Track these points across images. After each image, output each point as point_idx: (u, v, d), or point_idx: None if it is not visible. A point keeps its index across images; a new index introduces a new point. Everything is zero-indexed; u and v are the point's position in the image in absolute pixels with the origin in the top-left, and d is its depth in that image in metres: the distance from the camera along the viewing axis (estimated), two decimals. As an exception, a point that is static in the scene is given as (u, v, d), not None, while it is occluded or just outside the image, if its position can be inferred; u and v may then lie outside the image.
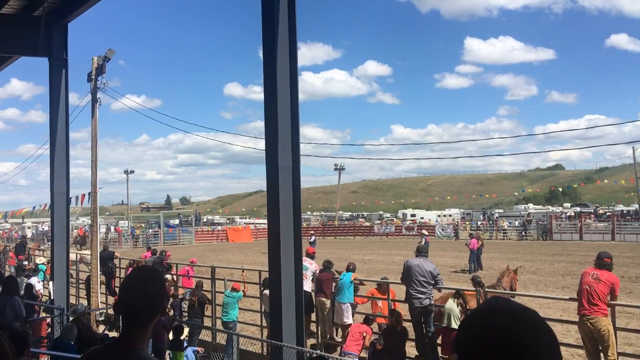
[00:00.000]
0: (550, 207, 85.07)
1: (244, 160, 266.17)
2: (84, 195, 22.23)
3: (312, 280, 12.83)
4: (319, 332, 12.56)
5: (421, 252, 10.95)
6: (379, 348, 9.72)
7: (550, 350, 1.24)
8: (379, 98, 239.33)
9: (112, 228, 61.28)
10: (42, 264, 19.88)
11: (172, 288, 14.18)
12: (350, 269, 12.41)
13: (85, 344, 8.10)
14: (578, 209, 72.13)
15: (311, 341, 12.26)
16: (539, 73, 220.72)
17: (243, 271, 14.74)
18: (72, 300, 16.25)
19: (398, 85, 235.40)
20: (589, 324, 8.15)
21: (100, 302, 18.36)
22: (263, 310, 12.46)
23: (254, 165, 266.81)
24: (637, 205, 60.09)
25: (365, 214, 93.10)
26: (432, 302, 10.20)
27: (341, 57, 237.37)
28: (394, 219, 76.52)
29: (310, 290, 12.59)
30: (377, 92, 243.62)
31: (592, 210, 66.72)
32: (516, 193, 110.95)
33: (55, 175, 13.06)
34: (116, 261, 19.80)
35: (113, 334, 13.53)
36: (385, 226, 59.69)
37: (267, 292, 11.85)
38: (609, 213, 57.51)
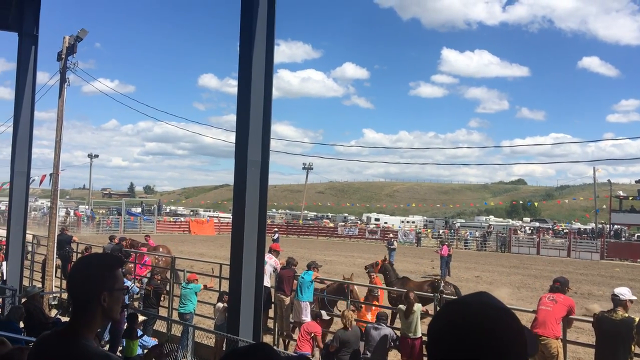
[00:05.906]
0: (510, 220, 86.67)
1: (213, 153, 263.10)
2: (44, 175, 21.77)
3: (271, 276, 12.83)
4: (276, 329, 12.56)
5: (381, 318, 10.13)
6: (332, 350, 9.69)
7: (514, 347, 1.23)
8: (354, 101, 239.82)
9: (72, 212, 60.00)
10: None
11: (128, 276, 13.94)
12: (312, 267, 12.43)
13: (36, 327, 7.93)
14: (537, 224, 73.60)
15: (267, 337, 12.23)
16: (512, 88, 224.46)
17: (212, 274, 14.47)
18: (26, 282, 15.88)
19: (373, 89, 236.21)
20: (540, 345, 8.33)
21: (55, 286, 18.00)
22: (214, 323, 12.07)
23: (223, 159, 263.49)
24: (594, 224, 61.78)
25: (330, 215, 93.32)
26: None
27: (320, 58, 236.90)
28: (358, 221, 76.92)
29: (268, 286, 12.58)
30: (352, 96, 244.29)
31: (550, 226, 68.19)
32: (478, 204, 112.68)
33: (17, 153, 12.74)
34: (73, 245, 19.45)
35: (65, 318, 13.23)
36: (349, 228, 59.93)
37: (220, 304, 11.73)
38: (567, 230, 58.84)
